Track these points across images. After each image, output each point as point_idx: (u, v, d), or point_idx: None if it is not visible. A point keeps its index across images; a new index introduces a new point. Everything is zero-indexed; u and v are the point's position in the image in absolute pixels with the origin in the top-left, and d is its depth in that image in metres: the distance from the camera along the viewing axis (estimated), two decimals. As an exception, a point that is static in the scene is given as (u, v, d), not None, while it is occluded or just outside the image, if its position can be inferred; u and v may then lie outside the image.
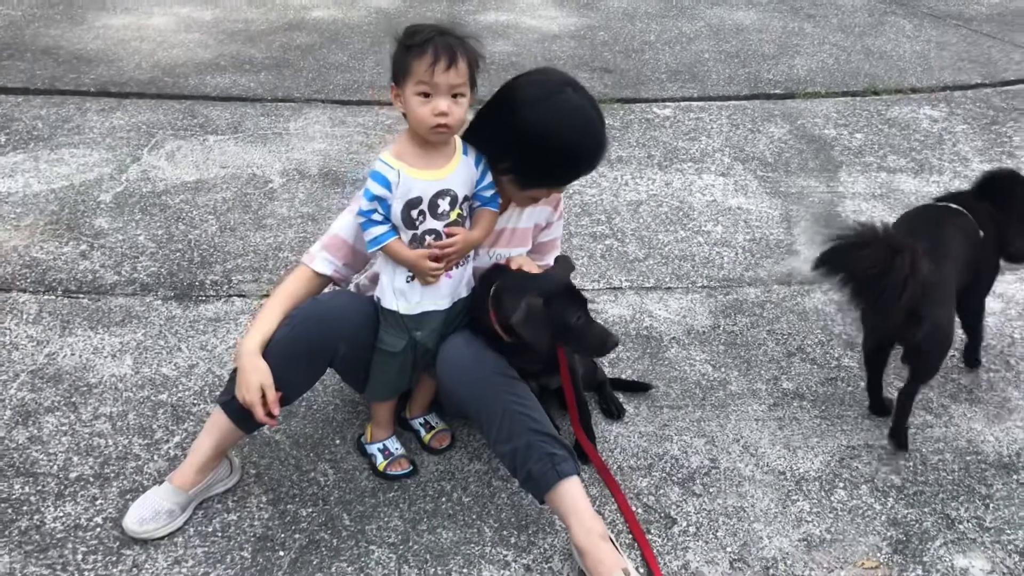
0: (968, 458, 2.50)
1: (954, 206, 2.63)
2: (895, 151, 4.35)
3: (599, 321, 2.28)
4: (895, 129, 4.60)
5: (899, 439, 2.51)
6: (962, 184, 4.04)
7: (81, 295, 3.07)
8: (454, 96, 2.03)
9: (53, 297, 3.05)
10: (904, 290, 2.22)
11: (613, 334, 2.18)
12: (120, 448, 2.43)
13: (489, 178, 2.19)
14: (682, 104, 4.86)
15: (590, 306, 2.22)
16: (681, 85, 5.10)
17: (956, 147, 4.42)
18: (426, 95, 2.02)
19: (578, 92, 2.15)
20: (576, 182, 2.30)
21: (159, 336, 2.88)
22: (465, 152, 2.15)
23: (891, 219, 3.72)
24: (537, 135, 2.09)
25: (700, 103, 4.89)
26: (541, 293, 2.09)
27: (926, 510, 2.32)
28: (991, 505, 2.34)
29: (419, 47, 2.01)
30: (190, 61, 5.20)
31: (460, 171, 2.13)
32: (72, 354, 2.78)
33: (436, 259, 2.12)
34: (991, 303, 3.16)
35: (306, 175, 3.94)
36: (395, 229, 2.11)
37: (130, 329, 2.90)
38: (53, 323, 2.92)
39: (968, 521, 2.29)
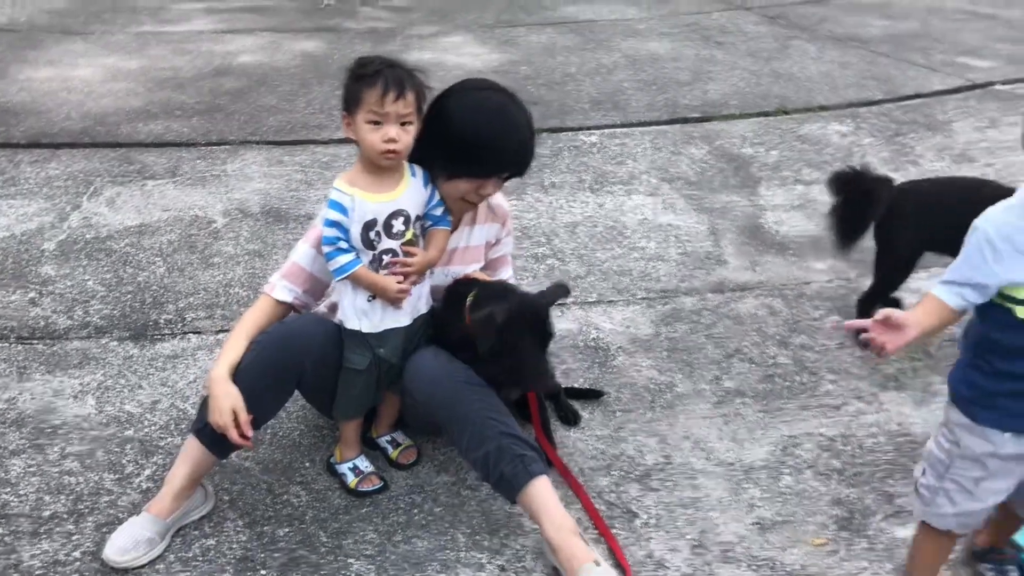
0: (899, 439, 2.69)
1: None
2: (809, 165, 4.62)
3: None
4: (807, 145, 4.88)
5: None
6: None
7: (35, 341, 3.09)
8: (402, 124, 2.17)
9: (6, 344, 3.06)
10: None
11: (553, 378, 2.30)
12: (91, 484, 2.46)
13: (437, 197, 2.32)
14: (607, 131, 5.07)
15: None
16: (604, 113, 5.31)
17: (865, 158, 4.69)
18: (376, 123, 2.15)
19: (501, 93, 2.33)
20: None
21: (119, 376, 2.91)
22: (413, 174, 2.28)
23: (811, 226, 3.97)
24: (457, 123, 2.25)
25: (624, 129, 5.10)
26: (510, 307, 2.21)
27: (866, 489, 2.50)
28: (923, 480, 2.53)
29: (370, 78, 2.15)
30: (121, 110, 5.23)
31: (410, 192, 2.26)
32: (32, 398, 2.80)
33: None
34: (910, 297, 3.40)
35: (248, 214, 4.01)
36: (358, 255, 2.22)
37: (89, 371, 2.93)
38: (9, 369, 2.93)
39: (904, 496, 2.47)
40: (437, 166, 2.29)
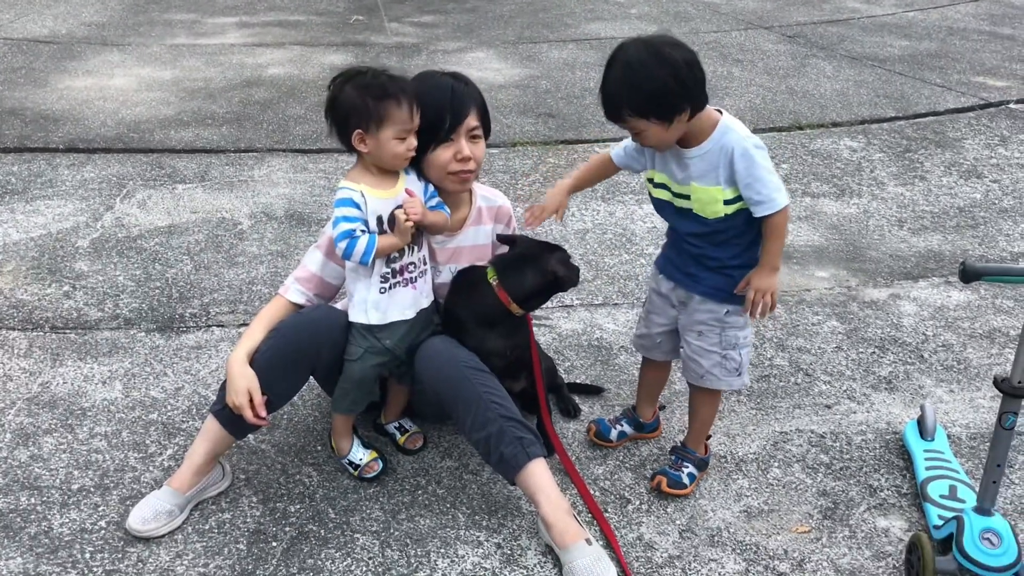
0: (888, 437, 2.80)
1: None
2: (818, 178, 4.73)
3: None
4: (818, 159, 4.99)
5: None
6: (880, 205, 4.42)
7: (68, 331, 3.27)
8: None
9: (41, 333, 3.25)
10: None
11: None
12: (117, 462, 2.63)
13: (431, 189, 2.47)
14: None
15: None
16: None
17: (873, 173, 4.81)
18: (402, 138, 2.31)
19: (448, 75, 2.47)
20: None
21: (145, 364, 3.08)
22: (407, 172, 2.43)
23: (816, 237, 4.07)
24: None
25: (639, 142, 5.23)
26: (550, 250, 2.52)
27: (851, 482, 2.61)
28: (907, 475, 2.63)
29: (392, 98, 2.28)
30: (154, 118, 5.44)
31: (408, 186, 2.41)
32: (64, 382, 2.97)
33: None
34: (908, 306, 3.50)
35: (273, 217, 4.19)
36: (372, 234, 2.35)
37: (117, 359, 3.10)
38: (44, 356, 3.11)
39: (888, 489, 2.58)
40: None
